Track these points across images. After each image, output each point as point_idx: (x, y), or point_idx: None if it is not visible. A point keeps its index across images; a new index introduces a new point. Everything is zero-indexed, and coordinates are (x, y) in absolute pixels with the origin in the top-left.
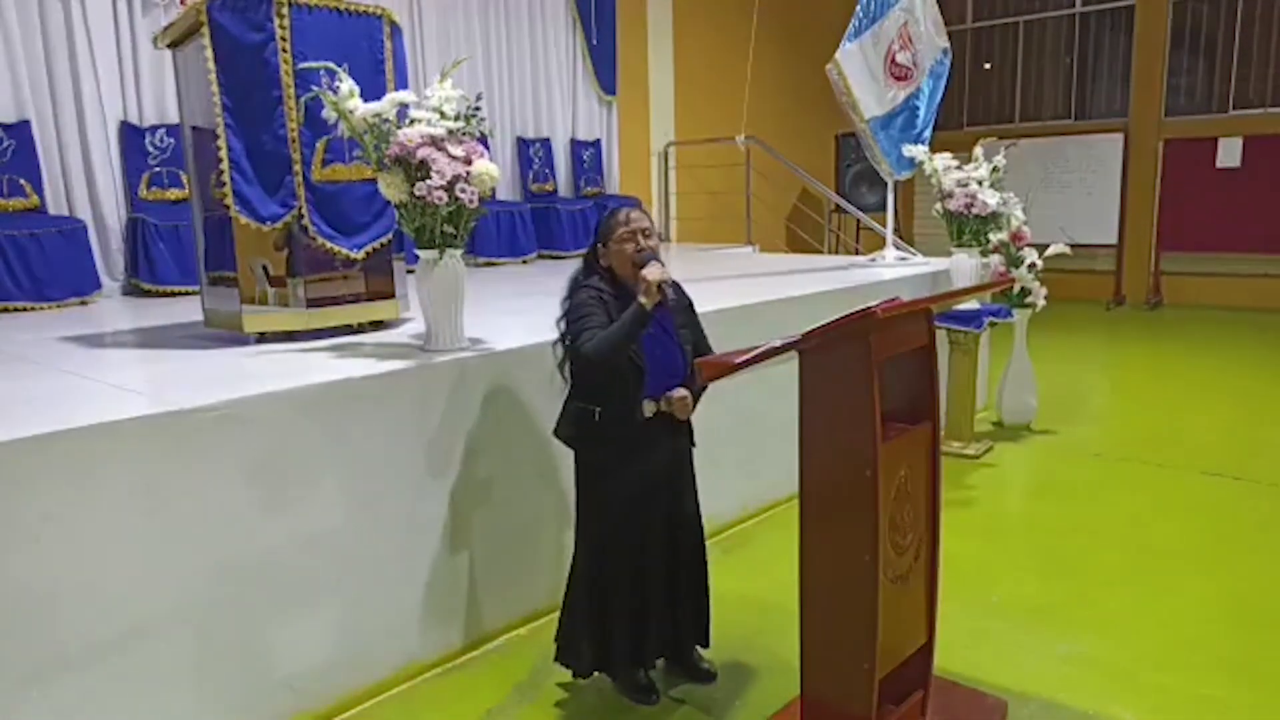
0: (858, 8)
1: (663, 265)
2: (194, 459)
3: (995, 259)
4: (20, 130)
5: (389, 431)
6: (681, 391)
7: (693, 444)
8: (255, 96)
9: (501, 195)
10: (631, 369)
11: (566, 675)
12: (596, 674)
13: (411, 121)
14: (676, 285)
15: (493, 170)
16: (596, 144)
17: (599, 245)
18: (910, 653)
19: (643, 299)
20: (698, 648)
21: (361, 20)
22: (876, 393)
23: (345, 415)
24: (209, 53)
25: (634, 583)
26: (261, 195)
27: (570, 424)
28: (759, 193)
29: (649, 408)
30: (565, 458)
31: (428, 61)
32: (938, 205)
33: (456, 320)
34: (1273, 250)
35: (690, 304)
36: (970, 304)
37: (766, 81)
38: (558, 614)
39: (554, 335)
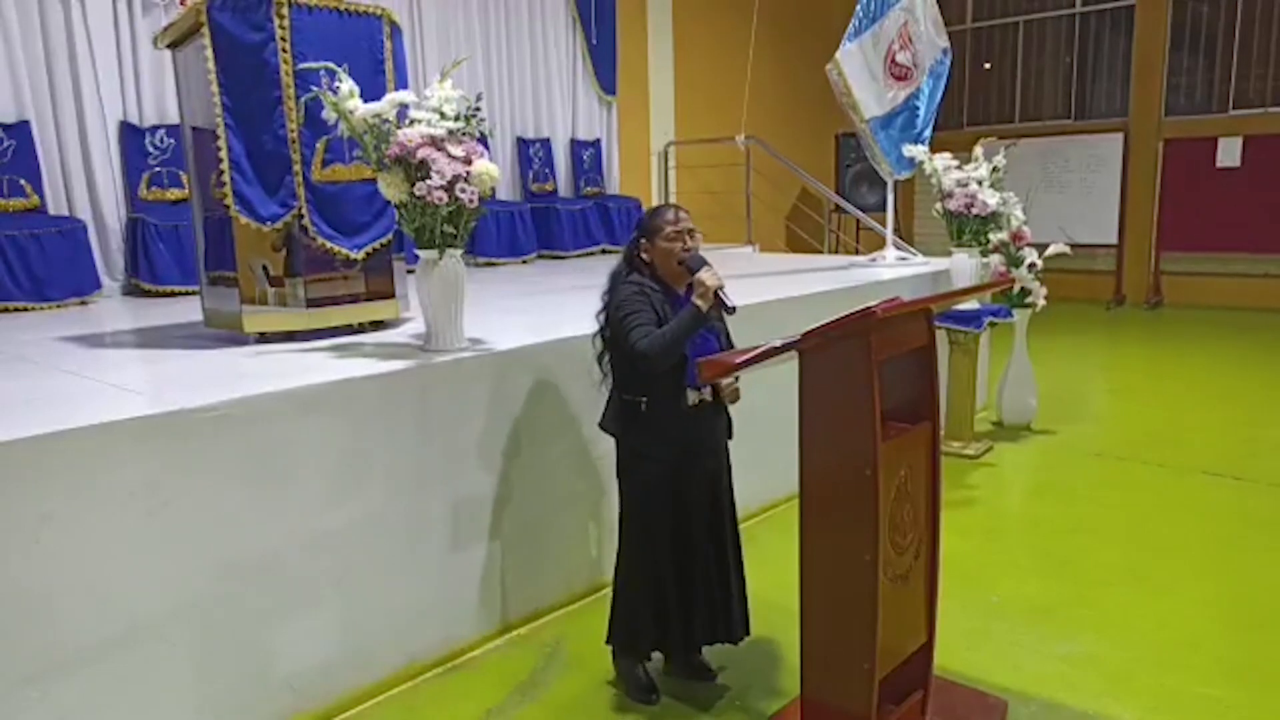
0: (858, 8)
1: (713, 269)
2: (194, 459)
3: (995, 259)
4: (20, 130)
5: (389, 432)
6: (730, 380)
7: (729, 435)
8: (255, 97)
9: (501, 195)
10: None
11: (568, 674)
12: (605, 677)
13: (411, 122)
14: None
15: (492, 170)
16: (596, 144)
17: (641, 240)
18: (910, 653)
19: (699, 302)
20: (701, 647)
21: (361, 20)
22: (876, 393)
23: (345, 415)
24: (209, 53)
25: (681, 564)
26: (261, 195)
27: (615, 417)
28: (759, 193)
29: (692, 396)
30: (568, 457)
31: (428, 61)
32: (938, 205)
33: (456, 320)
34: (1273, 250)
35: None
36: (970, 304)
37: (766, 81)
38: (559, 615)
39: (553, 336)
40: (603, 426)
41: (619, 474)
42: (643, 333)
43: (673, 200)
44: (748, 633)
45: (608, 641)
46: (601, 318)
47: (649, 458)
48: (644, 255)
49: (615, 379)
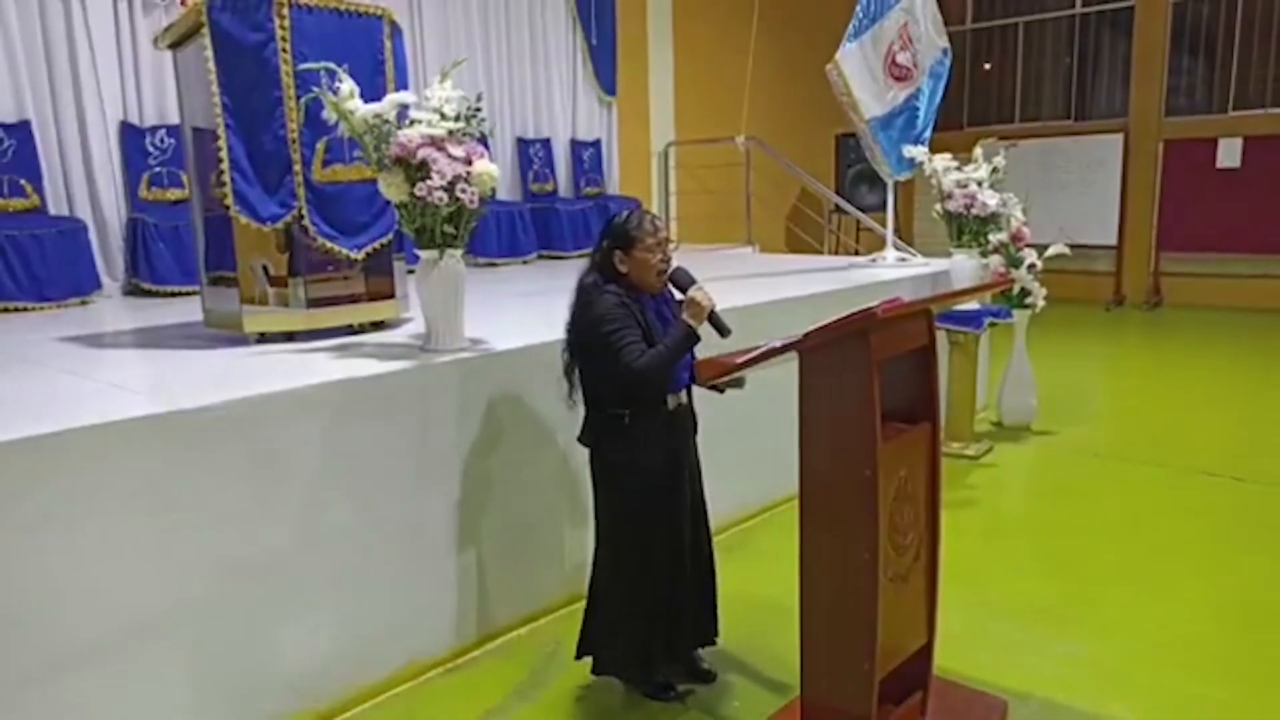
0: (858, 8)
1: (703, 287)
2: (194, 459)
3: (995, 259)
4: (20, 130)
5: (389, 432)
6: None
7: (695, 431)
8: (255, 97)
9: (501, 195)
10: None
11: (566, 675)
12: (603, 676)
13: (412, 122)
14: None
15: (493, 170)
16: (596, 144)
17: (616, 250)
18: (910, 653)
19: (691, 321)
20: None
21: (361, 20)
22: (876, 393)
23: (345, 415)
24: (209, 53)
25: (670, 572)
26: (261, 195)
27: (595, 430)
28: (759, 193)
29: (671, 401)
30: (567, 457)
31: (428, 61)
32: (938, 206)
33: (456, 320)
34: (1273, 250)
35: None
36: (970, 304)
37: (766, 81)
38: (557, 616)
39: (553, 336)
40: (581, 440)
41: (598, 486)
42: (636, 351)
43: (673, 200)
44: (717, 633)
45: (578, 656)
46: (571, 332)
47: (636, 468)
48: (620, 266)
49: (590, 395)
